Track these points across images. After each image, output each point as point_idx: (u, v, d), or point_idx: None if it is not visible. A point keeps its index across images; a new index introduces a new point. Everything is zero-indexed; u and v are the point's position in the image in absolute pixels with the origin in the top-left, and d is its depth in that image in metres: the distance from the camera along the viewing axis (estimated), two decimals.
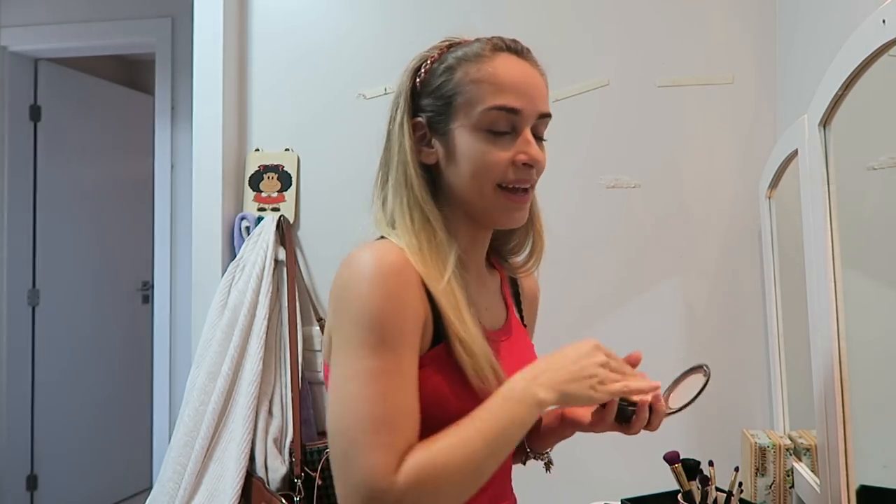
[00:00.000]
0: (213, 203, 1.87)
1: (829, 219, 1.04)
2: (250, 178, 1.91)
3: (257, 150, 1.92)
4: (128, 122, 3.65)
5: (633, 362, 0.89)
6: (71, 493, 3.34)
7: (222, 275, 1.83)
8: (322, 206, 1.88)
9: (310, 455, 1.72)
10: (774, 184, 1.49)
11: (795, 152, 1.21)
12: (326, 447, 1.71)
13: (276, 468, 1.69)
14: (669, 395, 0.89)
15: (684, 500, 1.10)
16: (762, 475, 1.35)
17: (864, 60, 0.91)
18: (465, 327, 0.79)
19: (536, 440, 0.99)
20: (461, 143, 0.83)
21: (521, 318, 1.01)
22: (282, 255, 1.82)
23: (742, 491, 1.14)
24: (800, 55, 1.50)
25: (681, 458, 1.12)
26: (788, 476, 1.34)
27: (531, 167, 0.82)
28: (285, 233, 1.85)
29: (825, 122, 1.07)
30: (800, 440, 1.35)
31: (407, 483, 0.69)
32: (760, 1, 1.66)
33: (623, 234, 1.71)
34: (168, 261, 2.96)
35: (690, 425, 1.63)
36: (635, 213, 1.71)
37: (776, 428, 1.52)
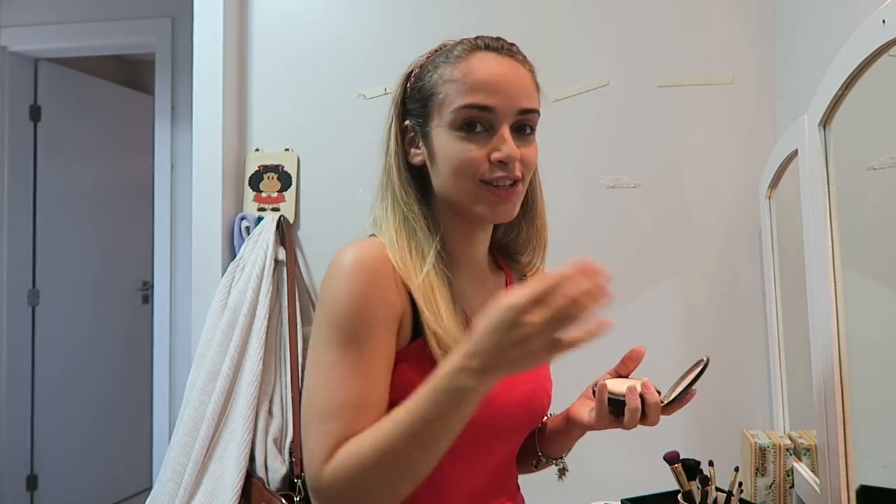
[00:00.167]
0: (213, 203, 1.87)
1: (829, 219, 1.04)
2: (250, 178, 1.91)
3: (257, 150, 1.92)
4: (128, 122, 3.65)
5: (637, 357, 0.89)
6: (71, 493, 3.34)
7: (222, 275, 1.83)
8: (322, 206, 1.88)
9: None
10: (774, 184, 1.49)
11: (795, 152, 1.21)
12: None
13: (276, 468, 1.69)
14: (671, 392, 0.88)
15: (684, 500, 1.10)
16: (762, 475, 1.35)
17: (864, 60, 0.91)
18: (440, 322, 0.80)
19: (547, 444, 0.98)
20: (439, 143, 0.85)
21: None
22: (282, 255, 1.82)
23: (742, 491, 1.14)
24: (800, 55, 1.50)
25: (681, 458, 1.12)
26: (788, 476, 1.34)
27: (506, 164, 0.82)
28: (285, 233, 1.85)
29: (825, 122, 1.07)
30: (800, 440, 1.35)
31: (333, 472, 0.72)
32: (760, 1, 1.66)
33: (623, 234, 1.71)
34: (168, 261, 2.96)
35: (690, 425, 1.63)
36: (635, 213, 1.71)
37: (776, 428, 1.52)
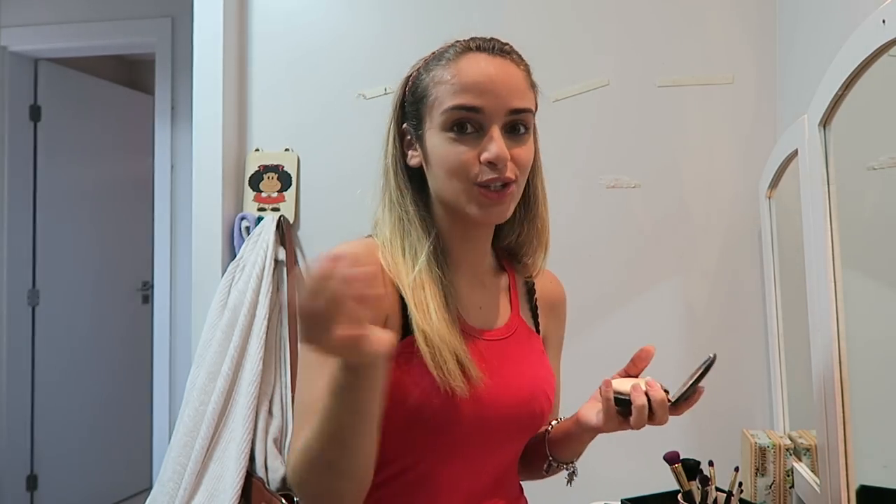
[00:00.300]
0: (213, 203, 1.87)
1: (829, 219, 1.04)
2: (250, 178, 1.91)
3: (257, 150, 1.92)
4: (128, 122, 3.65)
5: (646, 357, 0.89)
6: (71, 493, 3.34)
7: (222, 275, 1.83)
8: (322, 206, 1.88)
9: None
10: (774, 184, 1.49)
11: (795, 152, 1.21)
12: None
13: (276, 468, 1.69)
14: (679, 390, 0.87)
15: (684, 500, 1.10)
16: (762, 475, 1.35)
17: (864, 60, 0.91)
18: (428, 320, 0.81)
19: (557, 448, 0.97)
20: (432, 145, 0.85)
21: (536, 322, 0.99)
22: (282, 255, 1.82)
23: (742, 491, 1.14)
24: (800, 55, 1.50)
25: (681, 458, 1.12)
26: (788, 476, 1.34)
27: (495, 165, 0.82)
28: (285, 233, 1.85)
29: (825, 122, 1.07)
30: (800, 440, 1.35)
31: (290, 468, 0.76)
32: (760, 1, 1.66)
33: (623, 234, 1.71)
34: (168, 261, 2.96)
35: (690, 425, 1.63)
36: (635, 213, 1.71)
37: (776, 428, 1.52)
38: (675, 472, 1.11)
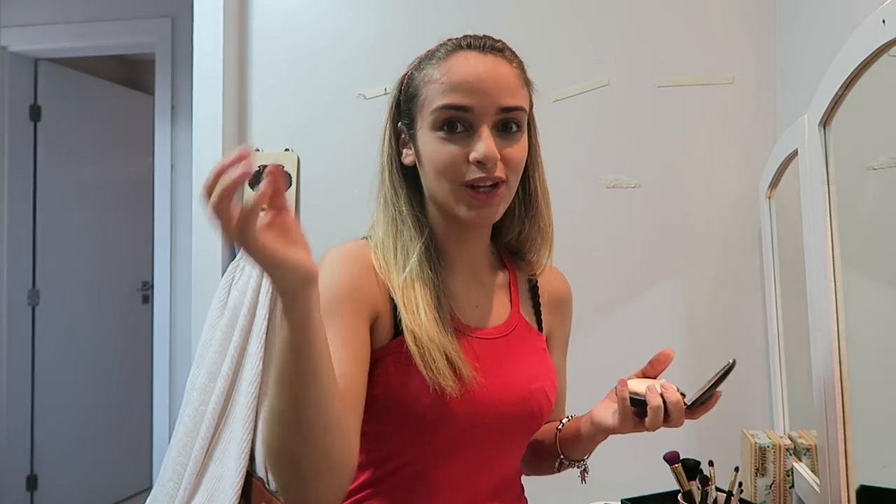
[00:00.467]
0: None
1: (829, 219, 1.04)
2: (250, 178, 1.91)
3: (257, 150, 1.92)
4: (128, 122, 3.65)
5: (665, 360, 0.89)
6: (71, 493, 3.34)
7: (222, 275, 1.83)
8: (322, 206, 1.88)
9: None
10: (774, 184, 1.49)
11: (795, 152, 1.21)
12: None
13: None
14: (696, 394, 0.86)
15: (684, 500, 1.10)
16: (762, 475, 1.35)
17: (864, 60, 0.91)
18: (417, 320, 0.81)
19: (569, 446, 0.97)
20: (423, 145, 0.85)
21: (539, 320, 0.99)
22: None
23: (742, 491, 1.14)
24: (800, 55, 1.50)
25: (681, 458, 1.12)
26: (788, 476, 1.34)
27: (484, 164, 0.81)
28: None
29: (825, 122, 1.07)
30: (800, 440, 1.35)
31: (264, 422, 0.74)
32: (760, 1, 1.66)
33: (623, 235, 1.71)
34: (168, 261, 2.96)
35: (690, 425, 1.62)
36: (635, 213, 1.71)
37: (776, 428, 1.52)
38: (675, 472, 1.11)
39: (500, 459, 0.90)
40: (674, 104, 1.70)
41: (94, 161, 3.54)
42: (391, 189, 0.89)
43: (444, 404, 0.79)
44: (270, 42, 1.92)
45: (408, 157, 0.89)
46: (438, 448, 0.83)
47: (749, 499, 1.33)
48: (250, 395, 1.68)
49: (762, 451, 1.35)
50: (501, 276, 0.97)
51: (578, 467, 0.99)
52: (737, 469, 1.15)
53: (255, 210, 0.61)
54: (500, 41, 0.88)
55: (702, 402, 0.84)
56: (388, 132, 0.91)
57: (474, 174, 0.82)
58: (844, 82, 0.97)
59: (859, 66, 0.93)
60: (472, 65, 0.83)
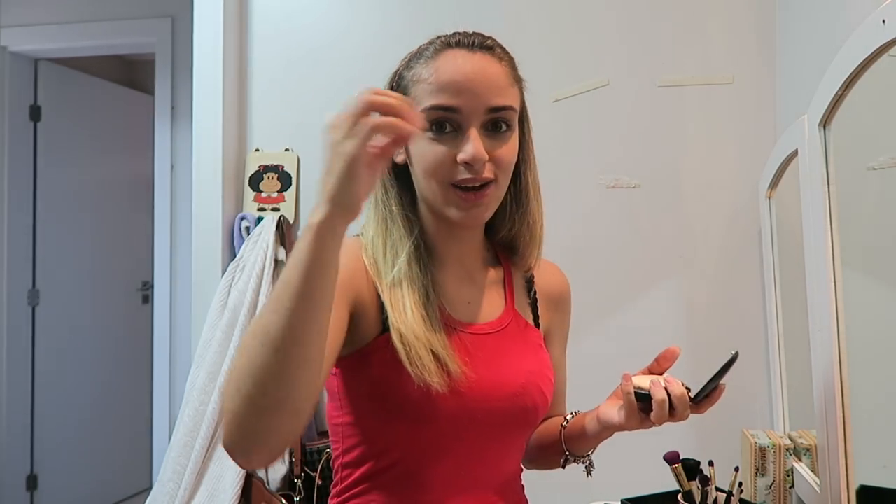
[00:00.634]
0: (213, 203, 1.87)
1: (829, 219, 1.04)
2: (250, 178, 1.91)
3: (257, 150, 1.92)
4: (128, 122, 3.65)
5: (671, 357, 0.88)
6: (71, 493, 3.34)
7: (222, 275, 1.83)
8: None
9: (310, 455, 1.72)
10: (774, 184, 1.49)
11: (795, 152, 1.21)
12: (326, 447, 1.71)
13: (276, 468, 1.69)
14: (699, 388, 0.85)
15: (684, 500, 1.10)
16: (762, 475, 1.35)
17: (864, 60, 0.91)
18: (403, 318, 0.81)
19: (574, 443, 0.97)
20: (412, 145, 0.85)
21: (536, 316, 0.99)
22: (282, 255, 1.82)
23: (742, 491, 1.14)
24: (800, 55, 1.50)
25: (681, 458, 1.12)
26: (788, 476, 1.34)
27: (472, 165, 0.81)
28: (285, 233, 1.85)
29: (825, 122, 1.07)
30: (800, 440, 1.35)
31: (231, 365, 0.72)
32: (760, 1, 1.66)
33: (623, 234, 1.71)
34: (168, 261, 2.96)
35: (690, 425, 1.63)
36: (635, 213, 1.71)
37: (776, 428, 1.52)
38: (675, 472, 1.11)
39: (496, 455, 0.89)
40: (674, 104, 1.70)
41: (94, 161, 3.54)
42: (381, 188, 0.89)
43: (430, 400, 0.79)
44: (270, 42, 1.92)
45: (399, 155, 0.89)
46: (430, 443, 0.83)
47: (749, 499, 1.33)
48: None
49: (762, 451, 1.35)
50: (495, 273, 0.96)
51: (583, 462, 0.99)
52: (737, 469, 1.15)
53: (387, 127, 0.63)
54: (490, 38, 0.87)
55: (706, 395, 0.83)
56: None
57: (463, 175, 0.82)
58: (844, 82, 0.97)
59: (859, 66, 0.93)
60: (459, 64, 0.82)
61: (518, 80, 0.88)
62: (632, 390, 0.84)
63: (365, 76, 1.83)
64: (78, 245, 3.45)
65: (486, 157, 0.82)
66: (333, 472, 0.92)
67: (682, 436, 1.61)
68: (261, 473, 1.68)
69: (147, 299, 3.68)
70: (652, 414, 0.82)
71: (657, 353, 0.91)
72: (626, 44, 1.72)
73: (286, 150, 1.90)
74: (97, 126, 3.54)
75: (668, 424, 0.84)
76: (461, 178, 0.82)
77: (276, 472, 1.69)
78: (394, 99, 0.64)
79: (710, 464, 1.12)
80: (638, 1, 1.72)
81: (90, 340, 3.49)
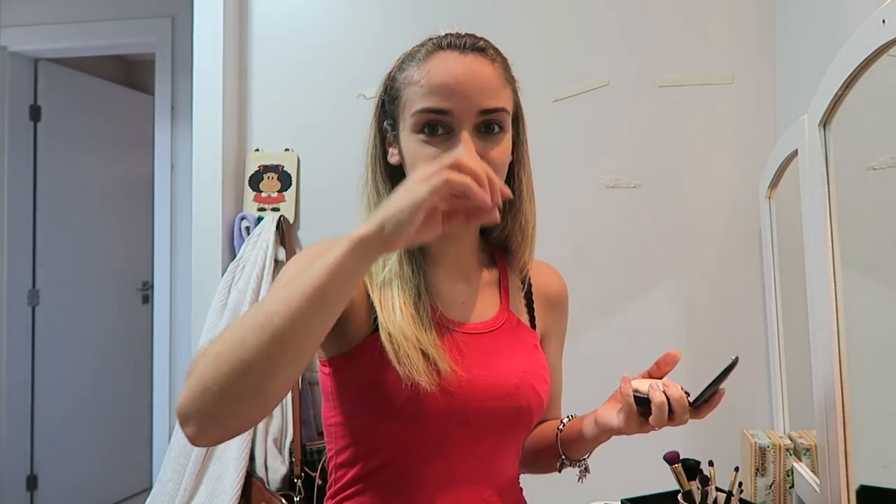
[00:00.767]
0: (213, 203, 1.87)
1: (829, 219, 1.04)
2: (250, 178, 1.91)
3: (257, 150, 1.92)
4: (128, 122, 3.65)
5: (671, 361, 0.88)
6: (71, 493, 3.34)
7: (222, 275, 1.83)
8: (322, 206, 1.88)
9: (310, 455, 1.72)
10: (774, 184, 1.49)
11: (795, 152, 1.21)
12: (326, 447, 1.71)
13: (276, 468, 1.69)
14: (699, 392, 0.84)
15: (684, 500, 1.10)
16: (762, 475, 1.35)
17: (864, 60, 0.91)
18: (392, 318, 0.81)
19: (570, 447, 0.96)
20: (405, 146, 0.85)
21: (532, 317, 0.98)
22: (282, 255, 1.82)
23: (742, 491, 1.14)
24: (800, 55, 1.50)
25: (681, 458, 1.12)
26: (788, 476, 1.34)
27: None
28: (285, 233, 1.85)
29: (825, 122, 1.07)
30: (800, 440, 1.35)
31: (209, 345, 0.71)
32: (760, 1, 1.66)
33: (623, 234, 1.71)
34: (168, 261, 2.96)
35: (690, 425, 1.62)
36: (635, 213, 1.71)
37: (776, 428, 1.52)
38: (675, 472, 1.11)
39: (490, 456, 0.89)
40: (674, 104, 1.70)
41: (94, 161, 3.54)
42: (374, 190, 0.89)
43: (420, 399, 0.79)
44: (270, 42, 1.92)
45: (393, 156, 0.89)
46: (421, 443, 0.83)
47: (749, 499, 1.33)
48: None
49: (762, 451, 1.35)
50: (491, 273, 0.96)
51: (579, 467, 0.99)
52: (737, 469, 1.15)
53: (465, 192, 0.66)
54: (482, 39, 0.87)
55: (706, 400, 0.83)
56: (373, 132, 0.91)
57: None
58: (844, 82, 0.97)
59: (859, 66, 0.93)
60: (450, 67, 0.82)
61: (511, 81, 0.88)
62: (631, 393, 0.83)
63: (365, 76, 1.84)
64: (78, 245, 3.45)
65: (478, 159, 0.82)
66: (328, 472, 0.91)
67: (683, 436, 1.61)
68: (261, 473, 1.68)
69: (147, 299, 3.68)
70: (651, 417, 0.82)
71: (657, 353, 0.90)
72: (626, 44, 1.72)
73: (286, 150, 1.90)
74: (97, 126, 3.54)
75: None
76: None
77: (276, 472, 1.69)
78: (479, 169, 0.67)
79: (710, 464, 1.12)
80: (638, 1, 1.72)
81: (90, 340, 3.49)
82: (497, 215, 0.69)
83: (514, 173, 0.91)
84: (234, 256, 1.84)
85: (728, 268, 1.67)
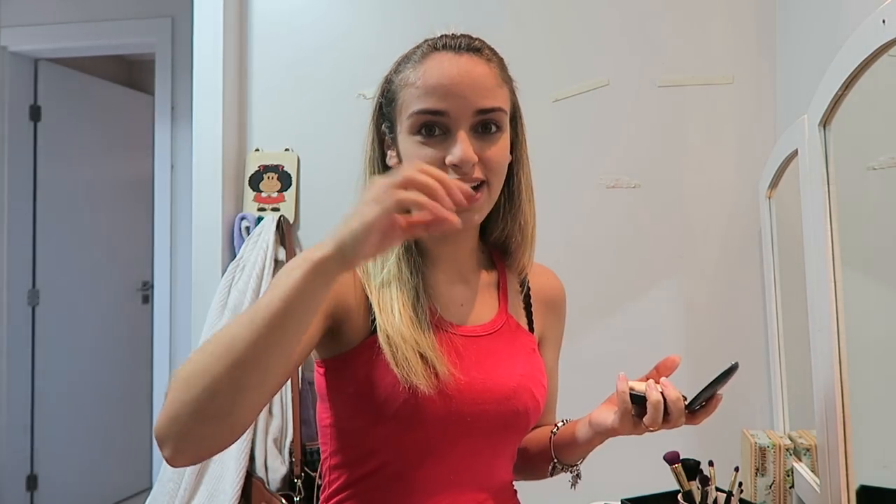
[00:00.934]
0: (213, 203, 1.87)
1: (829, 219, 1.04)
2: (250, 178, 1.91)
3: (257, 150, 1.92)
4: (128, 122, 3.65)
5: (671, 366, 0.87)
6: (71, 493, 3.34)
7: (222, 275, 1.83)
8: (322, 206, 1.88)
9: (310, 455, 1.72)
10: (774, 184, 1.49)
11: (795, 152, 1.21)
12: None
13: (276, 468, 1.69)
14: (695, 395, 0.83)
15: (684, 500, 1.10)
16: (762, 475, 1.35)
17: (864, 60, 0.91)
18: (391, 320, 0.81)
19: (563, 451, 0.96)
20: (403, 149, 0.85)
21: (531, 320, 0.98)
22: (282, 255, 1.82)
23: (742, 491, 1.14)
24: (800, 55, 1.50)
25: (681, 458, 1.12)
26: (788, 476, 1.34)
27: (460, 168, 0.80)
28: (285, 233, 1.85)
29: (825, 122, 1.07)
30: (800, 440, 1.35)
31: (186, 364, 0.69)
32: (760, 1, 1.66)
33: (623, 234, 1.71)
34: (168, 261, 2.96)
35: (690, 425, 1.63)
36: (635, 213, 1.71)
37: (776, 428, 1.52)
38: (675, 472, 1.11)
39: (486, 459, 0.88)
40: (674, 104, 1.70)
41: (94, 161, 3.54)
42: None
43: (417, 402, 0.79)
44: (270, 42, 1.92)
45: (392, 158, 0.88)
46: (418, 446, 0.83)
47: (749, 499, 1.33)
48: None
49: (762, 451, 1.35)
50: (490, 276, 0.96)
51: (571, 472, 0.98)
52: (737, 469, 1.15)
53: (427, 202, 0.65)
54: (477, 39, 0.87)
55: (702, 404, 0.82)
56: (371, 135, 0.91)
57: (452, 178, 0.81)
58: (844, 82, 0.97)
59: (859, 66, 0.93)
60: (446, 67, 0.82)
61: (508, 81, 0.88)
62: (627, 390, 0.83)
63: (365, 76, 1.84)
64: (78, 245, 3.45)
65: (475, 159, 0.81)
66: (322, 474, 0.91)
67: (682, 436, 1.60)
68: (261, 473, 1.68)
69: (147, 299, 3.68)
70: (645, 417, 0.81)
71: (657, 354, 0.90)
72: (626, 44, 1.72)
73: (286, 150, 1.90)
74: (97, 126, 3.54)
75: None
76: None
77: (276, 472, 1.69)
78: (434, 180, 0.66)
79: (710, 464, 1.12)
80: (638, 1, 1.72)
81: (90, 340, 3.49)
82: (457, 220, 0.66)
83: (513, 173, 0.91)
84: (234, 256, 1.84)
85: (728, 268, 1.67)
